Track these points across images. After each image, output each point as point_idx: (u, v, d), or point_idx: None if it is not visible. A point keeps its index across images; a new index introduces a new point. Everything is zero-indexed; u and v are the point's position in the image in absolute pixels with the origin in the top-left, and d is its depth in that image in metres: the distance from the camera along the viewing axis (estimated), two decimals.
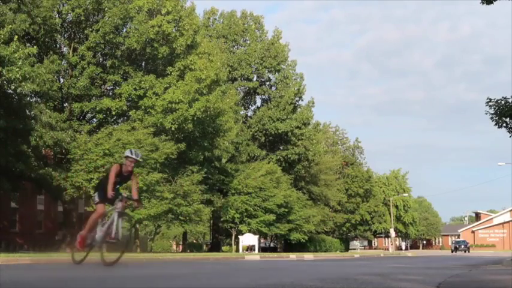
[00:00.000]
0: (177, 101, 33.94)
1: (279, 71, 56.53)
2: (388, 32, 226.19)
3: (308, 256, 32.55)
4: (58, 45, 34.88)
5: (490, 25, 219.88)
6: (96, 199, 11.60)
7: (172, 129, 34.35)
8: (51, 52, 32.72)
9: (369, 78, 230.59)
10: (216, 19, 57.71)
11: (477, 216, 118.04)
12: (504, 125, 19.38)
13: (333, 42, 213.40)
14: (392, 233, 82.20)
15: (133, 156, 11.58)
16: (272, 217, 47.74)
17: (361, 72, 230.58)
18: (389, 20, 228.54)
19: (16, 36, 25.99)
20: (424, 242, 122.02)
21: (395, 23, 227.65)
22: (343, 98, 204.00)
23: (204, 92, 35.35)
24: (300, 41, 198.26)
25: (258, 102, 58.85)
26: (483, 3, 18.42)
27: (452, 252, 71.15)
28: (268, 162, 51.56)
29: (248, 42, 57.02)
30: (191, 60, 36.03)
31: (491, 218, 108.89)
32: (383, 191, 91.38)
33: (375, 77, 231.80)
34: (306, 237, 54.62)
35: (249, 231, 46.40)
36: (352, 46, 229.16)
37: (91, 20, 34.31)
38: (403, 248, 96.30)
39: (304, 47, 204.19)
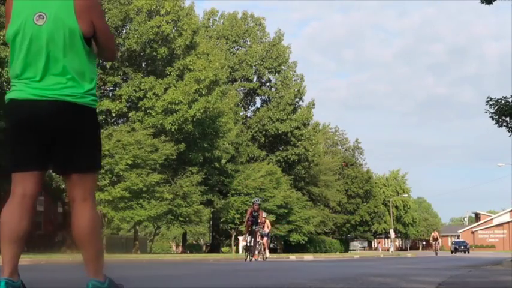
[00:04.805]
0: (177, 101, 33.94)
1: (279, 72, 56.56)
2: (334, 21, 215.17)
3: (308, 257, 32.53)
4: None
5: (441, 12, 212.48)
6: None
7: (173, 130, 34.34)
8: None
9: (327, 71, 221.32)
10: (216, 20, 57.73)
11: (477, 217, 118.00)
12: (504, 124, 19.42)
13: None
14: (392, 234, 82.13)
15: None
16: (272, 218, 47.70)
17: (315, 64, 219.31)
18: (333, 8, 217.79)
19: None
20: (424, 242, 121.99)
21: (339, 11, 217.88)
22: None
23: (204, 92, 35.35)
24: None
25: (258, 103, 58.95)
26: (482, 2, 18.45)
27: (452, 253, 71.06)
28: (268, 163, 51.58)
29: (249, 43, 57.04)
30: (190, 61, 36.04)
31: (491, 219, 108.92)
32: (383, 192, 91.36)
33: (332, 69, 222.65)
34: (306, 239, 54.60)
35: None
36: (296, 35, 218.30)
37: None
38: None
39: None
